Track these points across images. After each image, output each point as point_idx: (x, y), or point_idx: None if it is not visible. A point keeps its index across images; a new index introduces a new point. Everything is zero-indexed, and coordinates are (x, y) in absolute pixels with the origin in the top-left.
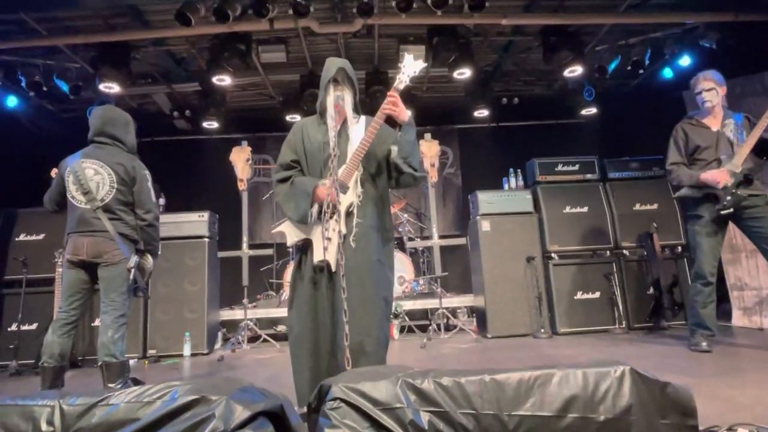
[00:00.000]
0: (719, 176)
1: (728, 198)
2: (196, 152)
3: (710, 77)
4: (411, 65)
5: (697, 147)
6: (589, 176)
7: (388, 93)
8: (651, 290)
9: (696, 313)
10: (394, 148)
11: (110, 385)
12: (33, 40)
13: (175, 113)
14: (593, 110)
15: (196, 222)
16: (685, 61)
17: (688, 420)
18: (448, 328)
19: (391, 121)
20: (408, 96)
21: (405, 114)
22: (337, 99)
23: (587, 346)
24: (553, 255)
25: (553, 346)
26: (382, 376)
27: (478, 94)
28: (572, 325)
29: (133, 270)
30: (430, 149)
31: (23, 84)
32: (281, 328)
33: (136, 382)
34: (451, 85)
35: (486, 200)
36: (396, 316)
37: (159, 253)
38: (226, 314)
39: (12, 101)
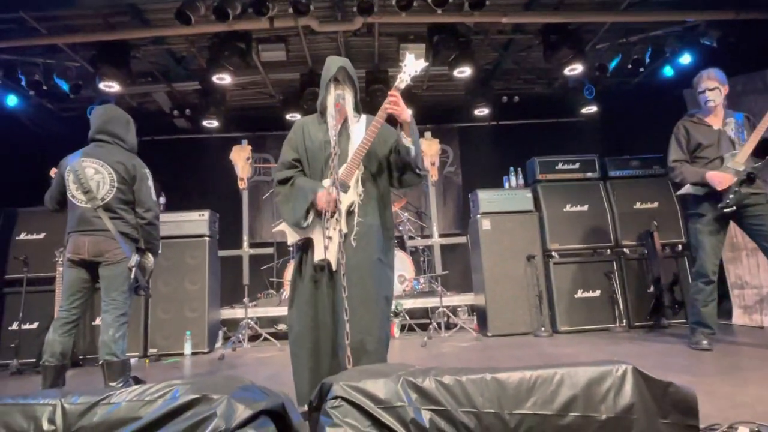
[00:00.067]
0: (723, 178)
1: (731, 196)
2: (196, 151)
3: (714, 76)
4: (412, 65)
5: (699, 145)
6: (589, 175)
7: (389, 92)
8: (651, 289)
9: (697, 311)
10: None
11: (111, 384)
12: (33, 39)
13: (176, 112)
14: (594, 108)
15: (197, 221)
16: (685, 59)
17: (689, 420)
18: (449, 326)
19: (391, 120)
20: (408, 94)
21: (406, 113)
22: (338, 98)
23: (588, 345)
24: (553, 253)
25: (553, 345)
26: (383, 375)
27: (479, 93)
28: (573, 324)
29: (134, 269)
30: (430, 148)
31: (23, 83)
32: (282, 326)
33: (137, 380)
34: (451, 84)
35: (486, 199)
36: (396, 314)
37: (159, 251)
38: (227, 313)
39: (12, 100)
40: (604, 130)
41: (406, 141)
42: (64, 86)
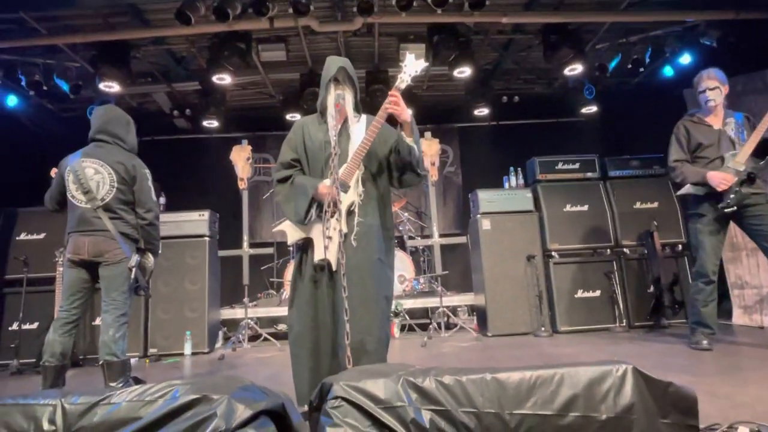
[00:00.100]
0: (724, 178)
1: (732, 196)
2: (196, 151)
3: (714, 76)
4: (412, 65)
5: (700, 145)
6: (589, 174)
7: (390, 92)
8: (651, 288)
9: (697, 311)
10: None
11: (111, 384)
12: (33, 39)
13: (176, 112)
14: (593, 108)
15: (197, 221)
16: (685, 59)
17: (689, 420)
18: (449, 326)
19: (391, 120)
20: (408, 94)
21: (406, 113)
22: (338, 98)
23: (588, 345)
24: (553, 253)
25: (553, 345)
26: (383, 375)
27: (479, 93)
28: (572, 324)
29: (134, 269)
30: (430, 148)
31: (23, 83)
32: (282, 326)
33: (137, 381)
34: (451, 84)
35: (486, 199)
36: (396, 314)
37: (160, 252)
38: (227, 313)
39: (12, 100)
40: (604, 130)
41: (408, 140)
42: (64, 86)
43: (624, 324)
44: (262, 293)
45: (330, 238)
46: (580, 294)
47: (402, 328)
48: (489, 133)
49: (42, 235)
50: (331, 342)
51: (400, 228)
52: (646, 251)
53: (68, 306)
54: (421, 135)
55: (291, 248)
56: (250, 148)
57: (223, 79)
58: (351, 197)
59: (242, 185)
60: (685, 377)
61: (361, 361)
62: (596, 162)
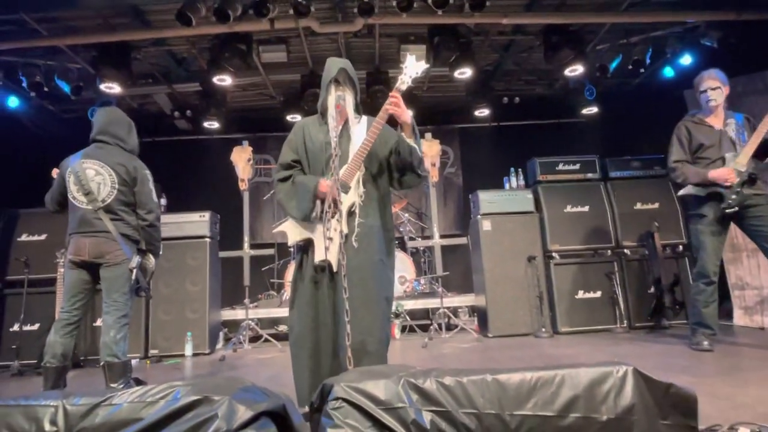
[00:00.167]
0: (727, 174)
1: (733, 197)
2: (197, 152)
3: (715, 76)
4: (413, 66)
5: (701, 145)
6: (590, 175)
7: (390, 93)
8: (652, 289)
9: (698, 312)
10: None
11: (112, 385)
12: (34, 40)
13: (176, 113)
14: (594, 109)
15: (198, 222)
16: (686, 60)
17: (690, 421)
18: (449, 327)
19: (391, 121)
20: (409, 95)
21: (406, 114)
22: (339, 99)
23: (588, 346)
24: (554, 254)
25: (554, 346)
26: (384, 376)
27: (479, 94)
28: (573, 325)
29: (135, 270)
30: (430, 149)
31: (24, 84)
32: (282, 327)
33: (138, 382)
34: (451, 85)
35: (487, 200)
36: (397, 315)
37: (161, 253)
38: (228, 314)
39: (13, 102)
40: (604, 131)
41: (409, 141)
42: (65, 87)
43: (625, 325)
44: (262, 294)
45: (331, 239)
46: (580, 295)
47: (403, 329)
48: (489, 134)
49: (43, 236)
50: (331, 343)
51: (401, 229)
52: (646, 252)
53: (69, 307)
54: (422, 136)
55: (291, 249)
56: (250, 149)
57: (224, 80)
58: (352, 198)
59: (243, 186)
60: (686, 378)
61: (361, 362)
62: (597, 163)
